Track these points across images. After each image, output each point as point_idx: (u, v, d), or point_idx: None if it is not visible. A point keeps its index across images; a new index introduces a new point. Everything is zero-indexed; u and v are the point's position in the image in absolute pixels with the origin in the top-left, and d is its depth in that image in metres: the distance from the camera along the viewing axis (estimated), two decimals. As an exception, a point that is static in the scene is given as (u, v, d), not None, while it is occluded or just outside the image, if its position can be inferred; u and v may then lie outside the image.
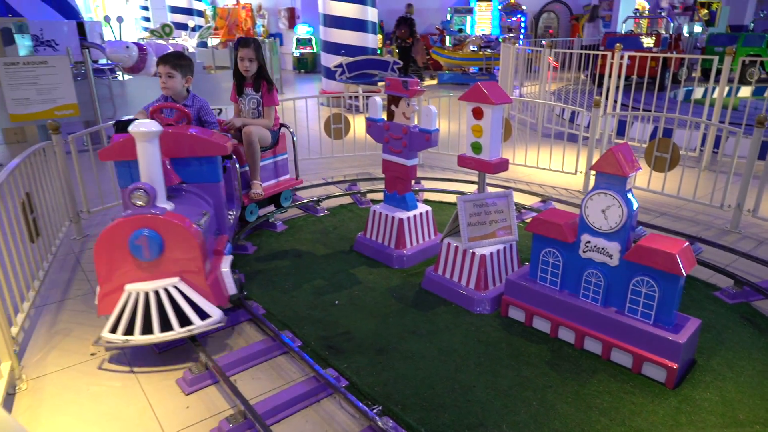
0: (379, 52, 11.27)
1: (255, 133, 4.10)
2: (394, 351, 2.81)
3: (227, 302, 2.94)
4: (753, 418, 2.34)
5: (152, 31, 13.62)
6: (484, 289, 3.20)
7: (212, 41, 16.80)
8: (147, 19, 19.80)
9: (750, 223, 4.51)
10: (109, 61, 8.22)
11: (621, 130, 7.40)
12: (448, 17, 17.13)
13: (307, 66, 17.56)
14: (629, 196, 2.60)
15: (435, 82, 14.71)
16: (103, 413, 2.43)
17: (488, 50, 14.26)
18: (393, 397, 2.47)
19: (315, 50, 17.18)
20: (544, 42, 9.04)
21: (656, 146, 4.80)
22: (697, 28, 14.70)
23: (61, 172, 4.14)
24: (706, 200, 4.81)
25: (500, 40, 13.04)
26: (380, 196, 5.04)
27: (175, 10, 18.85)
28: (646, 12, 16.34)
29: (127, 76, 7.86)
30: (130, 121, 2.95)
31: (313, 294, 3.40)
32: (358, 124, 6.60)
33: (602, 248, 2.68)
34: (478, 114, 3.10)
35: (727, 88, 6.33)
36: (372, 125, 3.84)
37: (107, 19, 10.65)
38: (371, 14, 10.14)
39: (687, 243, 2.54)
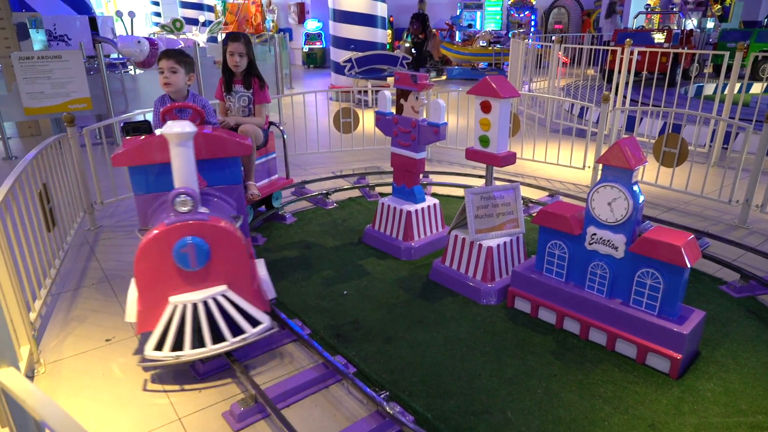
0: (388, 47, 11.30)
1: (251, 132, 3.93)
2: (401, 340, 2.87)
3: (269, 307, 2.79)
4: (756, 408, 2.37)
5: (163, 26, 13.74)
6: (491, 280, 3.24)
7: (222, 36, 16.89)
8: (158, 14, 19.95)
9: (758, 219, 4.51)
10: (121, 56, 8.32)
11: (630, 125, 7.39)
12: (458, 12, 17.09)
13: (316, 61, 17.63)
14: (635, 188, 2.63)
15: (444, 77, 14.71)
16: (118, 397, 2.50)
17: (498, 46, 14.24)
18: (400, 384, 2.52)
19: (324, 45, 17.22)
20: (554, 37, 9.01)
21: (665, 141, 4.80)
22: (710, 24, 14.56)
23: (76, 163, 4.23)
24: (714, 196, 4.81)
25: (510, 35, 13.01)
26: (388, 189, 5.09)
27: (185, 5, 18.96)
28: (658, 8, 16.21)
29: (138, 71, 7.94)
30: (139, 124, 2.89)
31: (322, 284, 3.46)
32: (366, 119, 6.64)
33: (608, 240, 2.71)
34: (486, 107, 3.14)
35: (738, 85, 6.30)
36: (381, 119, 3.88)
37: (119, 14, 10.76)
38: (381, 9, 10.17)
39: (692, 236, 2.57)
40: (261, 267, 2.90)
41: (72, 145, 4.16)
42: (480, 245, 3.24)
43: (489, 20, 17.07)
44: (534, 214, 4.49)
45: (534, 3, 17.30)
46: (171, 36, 11.89)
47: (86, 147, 4.34)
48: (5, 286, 2.46)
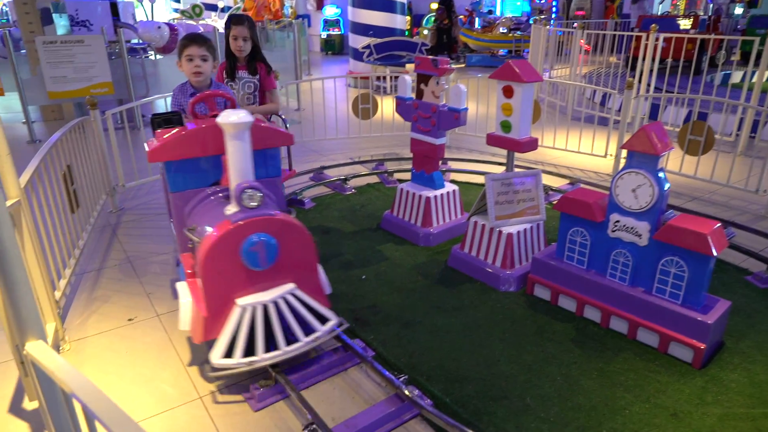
0: (407, 33, 11.19)
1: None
2: (419, 325, 2.86)
3: (328, 302, 2.62)
4: (781, 400, 2.32)
5: (182, 12, 13.76)
6: (510, 267, 3.21)
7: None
8: (177, 0, 19.98)
9: (786, 209, 4.40)
10: (141, 41, 8.37)
11: (653, 114, 7.23)
12: (478, -2, 16.87)
13: (334, 48, 17.55)
14: (660, 175, 2.57)
15: (463, 65, 14.56)
16: (141, 374, 2.54)
17: (518, 32, 14.02)
18: (418, 368, 2.52)
19: (342, 32, 17.13)
20: (576, 24, 8.83)
21: (690, 129, 4.70)
22: (738, 10, 14.16)
23: (99, 146, 4.28)
24: (740, 185, 4.70)
25: (531, 21, 12.81)
26: (407, 176, 5.06)
27: (204, -9, 18.96)
28: (684, -7, 15.79)
29: (159, 56, 7.99)
30: (170, 115, 2.72)
31: (341, 269, 3.47)
32: (385, 105, 6.61)
33: (631, 228, 2.66)
34: (508, 92, 3.09)
35: (767, 73, 6.12)
36: (401, 104, 3.85)
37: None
38: (400, -5, 10.05)
39: (719, 224, 2.51)
40: None
41: (95, 128, 4.21)
42: (500, 232, 3.21)
43: (510, 5, 16.81)
44: (554, 202, 4.45)
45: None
46: (190, 21, 11.92)
47: (109, 130, 4.38)
48: (32, 264, 2.50)
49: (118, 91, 6.89)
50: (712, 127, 4.66)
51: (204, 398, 2.38)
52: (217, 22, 13.90)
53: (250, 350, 2.24)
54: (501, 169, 5.19)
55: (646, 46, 7.21)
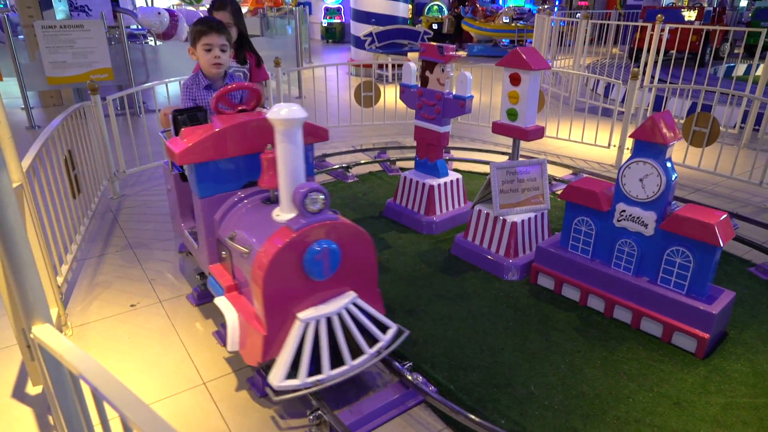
0: (409, 22, 11.11)
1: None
2: (423, 313, 2.86)
3: (384, 308, 2.44)
4: (784, 391, 2.33)
5: (183, -2, 13.64)
6: (514, 256, 3.21)
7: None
8: (177, -13, 19.78)
9: (789, 202, 4.40)
10: (141, 27, 8.29)
11: (657, 105, 7.20)
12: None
13: (335, 36, 17.43)
14: (668, 165, 2.56)
15: (464, 54, 14.47)
16: (144, 360, 2.54)
17: (521, 22, 13.93)
18: (422, 355, 2.52)
19: (344, 20, 17.00)
20: (579, 14, 8.77)
21: (695, 120, 4.67)
22: (743, 2, 14.06)
23: (99, 132, 4.24)
24: (744, 177, 4.69)
25: (534, 11, 12.71)
26: (409, 164, 5.04)
27: (204, -23, 18.79)
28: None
29: (159, 42, 7.92)
30: (194, 111, 2.57)
31: (344, 257, 3.45)
32: (387, 94, 6.57)
33: (638, 217, 2.65)
34: (515, 80, 3.06)
35: (770, 64, 6.10)
36: (405, 91, 3.82)
37: (139, -16, 10.69)
38: (403, -18, 9.96)
39: (725, 214, 2.50)
40: None
41: (95, 114, 4.17)
42: (504, 220, 3.20)
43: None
44: (558, 192, 4.44)
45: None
46: (190, 8, 11.82)
47: (110, 116, 4.35)
48: (34, 249, 2.49)
49: (118, 77, 6.84)
50: (717, 119, 4.63)
51: (208, 384, 2.37)
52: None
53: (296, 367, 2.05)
54: (503, 158, 5.17)
55: (650, 36, 7.16)
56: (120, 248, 3.61)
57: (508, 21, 14.10)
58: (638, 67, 7.53)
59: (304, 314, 2.06)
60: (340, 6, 17.22)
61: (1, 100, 2.12)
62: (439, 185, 3.76)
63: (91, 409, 1.36)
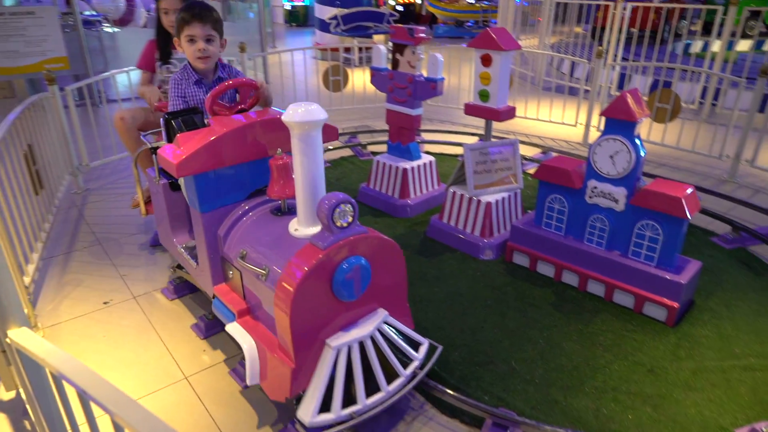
0: (373, 2, 10.99)
1: None
2: (402, 296, 2.88)
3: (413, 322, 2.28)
4: (747, 352, 2.45)
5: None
6: (489, 235, 3.25)
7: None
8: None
9: (747, 173, 4.58)
10: (96, 13, 7.97)
11: (621, 83, 7.35)
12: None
13: (299, 19, 17.12)
14: (637, 141, 2.62)
15: (430, 35, 14.42)
16: (121, 358, 2.49)
17: (485, 2, 13.95)
18: (404, 338, 2.54)
19: (307, 2, 16.70)
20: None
21: (658, 97, 4.79)
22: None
23: (59, 124, 4.08)
24: (705, 151, 4.85)
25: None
26: (381, 148, 5.04)
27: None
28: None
29: (116, 29, 7.63)
30: (189, 112, 2.35)
31: (320, 243, 3.44)
32: (355, 78, 6.51)
33: (609, 193, 2.72)
34: (486, 61, 3.07)
35: (720, 42, 6.29)
36: (376, 74, 3.79)
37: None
38: (366, -37, 9.82)
39: (692, 188, 2.59)
40: None
41: (54, 106, 4.01)
42: (478, 201, 3.23)
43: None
44: (528, 171, 4.51)
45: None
46: (147, -8, 11.39)
47: (69, 107, 4.18)
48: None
49: (75, 66, 6.56)
50: (679, 95, 4.76)
51: (190, 378, 2.34)
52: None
53: (330, 397, 1.85)
54: (474, 139, 5.22)
55: (613, 15, 7.28)
56: (88, 244, 3.50)
57: (472, 2, 14.10)
58: (601, 45, 7.65)
59: (334, 340, 1.85)
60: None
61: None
62: (412, 168, 3.77)
63: (76, 409, 1.33)
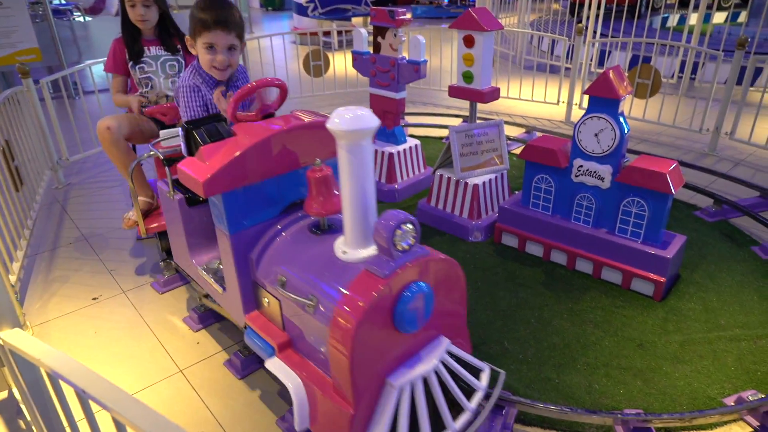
0: None
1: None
2: (394, 280, 2.89)
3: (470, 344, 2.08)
4: (733, 323, 2.52)
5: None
6: (477, 217, 3.27)
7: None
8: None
9: (727, 146, 4.65)
10: (67, 1, 7.74)
11: (601, 60, 7.38)
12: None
13: (274, 3, 16.79)
14: (621, 119, 2.64)
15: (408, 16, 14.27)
16: (114, 354, 2.47)
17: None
18: (398, 322, 2.56)
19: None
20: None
21: (638, 72, 4.83)
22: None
23: (36, 118, 3.99)
24: (685, 125, 4.91)
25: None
26: (366, 133, 4.99)
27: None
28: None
29: (88, 18, 7.43)
30: (210, 121, 2.09)
31: (309, 231, 3.43)
32: (336, 62, 6.44)
33: (594, 171, 2.74)
34: (469, 42, 3.06)
35: (696, 15, 6.34)
36: (358, 58, 3.76)
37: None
38: (342, -56, 9.63)
39: (676, 163, 2.62)
40: None
41: (30, 99, 3.90)
42: (466, 183, 3.24)
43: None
44: (514, 151, 4.52)
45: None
46: (117, -21, 11.08)
47: (45, 100, 4.08)
48: (-18, 249, 2.35)
49: (47, 57, 6.38)
50: (659, 70, 4.80)
51: (185, 371, 2.34)
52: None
53: None
54: (458, 121, 5.21)
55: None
56: (73, 240, 3.45)
57: (450, -20, 13.97)
58: (580, 22, 7.66)
59: (397, 378, 1.63)
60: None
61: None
62: (398, 152, 3.76)
63: (75, 408, 1.32)
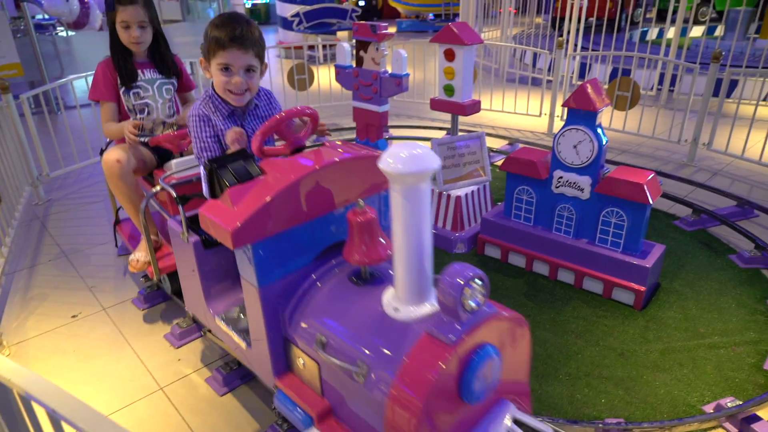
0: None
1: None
2: (377, 293, 2.89)
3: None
4: (712, 331, 2.55)
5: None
6: (460, 229, 3.29)
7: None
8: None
9: (705, 156, 4.74)
10: (49, 16, 7.70)
11: (582, 73, 7.50)
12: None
13: (260, 17, 16.86)
14: (599, 130, 2.69)
15: (393, 30, 14.43)
16: (94, 372, 2.43)
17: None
18: (381, 335, 2.55)
19: (267, 0, 16.49)
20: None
21: (617, 85, 4.92)
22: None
23: (16, 134, 3.95)
24: (664, 136, 5.00)
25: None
26: (350, 146, 5.01)
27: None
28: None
29: (71, 33, 7.39)
30: (237, 159, 1.78)
31: (293, 245, 3.42)
32: (321, 75, 6.48)
33: (574, 183, 2.78)
34: (450, 56, 3.10)
35: (674, 29, 6.48)
36: (341, 72, 3.78)
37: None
38: (327, -41, 9.73)
39: (653, 173, 2.67)
40: None
41: (9, 115, 3.87)
42: (448, 195, 3.26)
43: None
44: (496, 163, 4.57)
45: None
46: (101, -6, 11.06)
47: (26, 116, 4.04)
48: (-43, 267, 2.30)
49: (29, 72, 6.35)
50: (637, 83, 4.89)
51: (165, 389, 2.31)
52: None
53: None
54: (441, 134, 5.25)
55: (572, 6, 7.41)
56: (52, 257, 3.40)
57: (434, -5, 14.15)
58: (561, 36, 7.79)
59: None
60: (263, -14, 16.67)
61: None
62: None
63: (47, 429, 1.30)
